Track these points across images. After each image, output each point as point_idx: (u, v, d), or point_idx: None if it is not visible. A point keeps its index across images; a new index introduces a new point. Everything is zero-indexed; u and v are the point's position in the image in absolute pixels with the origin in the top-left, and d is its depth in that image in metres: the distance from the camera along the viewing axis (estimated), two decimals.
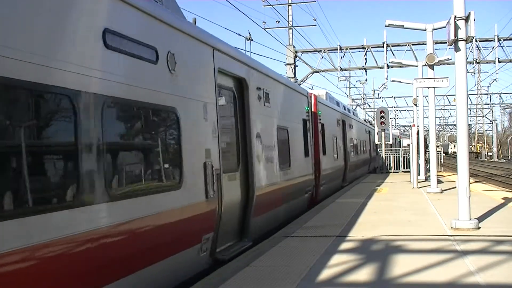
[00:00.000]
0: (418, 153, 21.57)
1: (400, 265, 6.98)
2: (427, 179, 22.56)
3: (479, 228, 9.74)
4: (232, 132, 9.11)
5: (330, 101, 20.72)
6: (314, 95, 16.73)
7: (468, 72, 15.79)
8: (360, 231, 9.86)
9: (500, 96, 66.39)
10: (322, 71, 35.67)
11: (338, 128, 21.09)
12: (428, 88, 16.47)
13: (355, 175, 25.85)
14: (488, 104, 77.67)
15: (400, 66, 30.81)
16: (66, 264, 4.59)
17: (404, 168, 30.79)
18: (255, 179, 9.48)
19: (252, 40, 25.26)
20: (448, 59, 19.66)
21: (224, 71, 8.54)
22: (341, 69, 35.58)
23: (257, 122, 9.93)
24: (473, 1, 52.58)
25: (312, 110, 16.00)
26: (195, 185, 7.11)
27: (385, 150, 31.60)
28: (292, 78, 30.32)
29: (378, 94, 64.34)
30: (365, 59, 34.20)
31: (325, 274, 6.67)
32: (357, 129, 27.83)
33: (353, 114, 30.07)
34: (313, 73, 35.10)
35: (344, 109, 25.24)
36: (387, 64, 32.38)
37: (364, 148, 30.74)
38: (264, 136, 10.35)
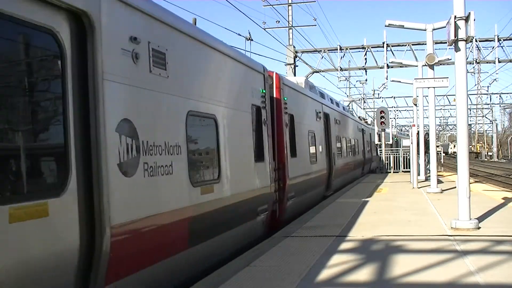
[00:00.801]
0: (418, 153, 21.59)
1: (400, 265, 6.98)
2: (427, 179, 22.58)
3: (479, 228, 9.74)
4: (48, 117, 4.85)
5: (311, 90, 17.18)
6: (277, 74, 12.11)
7: (468, 72, 15.80)
8: (360, 231, 9.86)
9: (500, 96, 66.51)
10: (322, 71, 35.73)
11: (318, 123, 16.67)
12: (428, 88, 16.48)
13: (343, 180, 21.89)
14: (488, 104, 77.77)
15: (400, 66, 30.85)
16: None
17: (404, 168, 30.82)
18: (110, 209, 5.04)
19: (252, 40, 25.26)
20: (448, 59, 19.67)
21: None
22: (341, 69, 35.63)
23: (125, 99, 5.62)
24: (473, 1, 52.63)
25: (274, 95, 11.76)
26: None
27: (385, 150, 31.61)
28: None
29: (378, 94, 64.56)
30: (365, 59, 34.28)
31: (325, 274, 6.67)
32: (347, 125, 24.20)
33: (344, 109, 26.50)
34: (313, 73, 35.14)
35: (332, 102, 21.71)
36: (387, 64, 32.45)
37: (357, 149, 27.22)
38: (150, 127, 6.03)
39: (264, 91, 10.67)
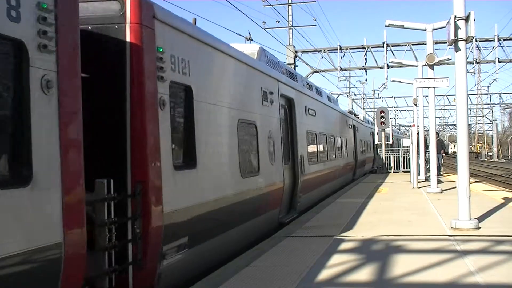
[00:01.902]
0: (418, 153, 21.61)
1: (400, 265, 6.99)
2: (427, 179, 22.58)
3: (479, 228, 9.75)
4: None
5: (269, 64, 11.90)
6: None
7: (468, 72, 15.80)
8: (360, 231, 9.86)
9: (500, 96, 66.38)
10: (322, 71, 35.74)
11: (266, 109, 10.56)
12: (428, 88, 16.47)
13: (322, 192, 16.43)
14: (488, 104, 77.72)
15: (400, 66, 30.83)
16: None
17: (404, 168, 30.83)
18: None
19: (252, 40, 25.23)
20: (448, 59, 19.69)
21: None
22: (341, 69, 35.63)
23: None
24: (473, 1, 52.67)
25: (126, 38, 5.84)
26: None
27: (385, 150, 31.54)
28: None
29: (378, 94, 64.48)
30: (365, 59, 34.27)
31: (325, 274, 6.67)
32: (329, 119, 18.93)
33: (330, 100, 20.99)
34: (313, 73, 35.16)
35: (311, 88, 16.55)
36: (387, 64, 32.43)
37: (345, 149, 22.16)
38: None
39: (45, 5, 4.32)
